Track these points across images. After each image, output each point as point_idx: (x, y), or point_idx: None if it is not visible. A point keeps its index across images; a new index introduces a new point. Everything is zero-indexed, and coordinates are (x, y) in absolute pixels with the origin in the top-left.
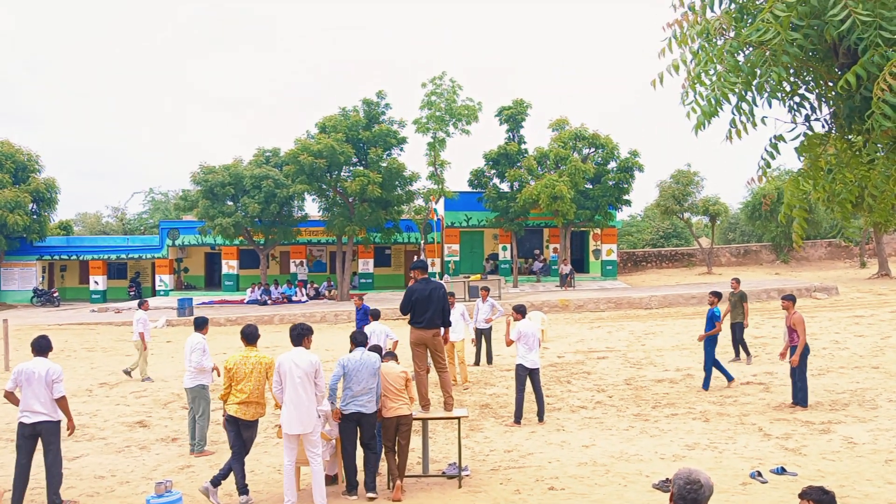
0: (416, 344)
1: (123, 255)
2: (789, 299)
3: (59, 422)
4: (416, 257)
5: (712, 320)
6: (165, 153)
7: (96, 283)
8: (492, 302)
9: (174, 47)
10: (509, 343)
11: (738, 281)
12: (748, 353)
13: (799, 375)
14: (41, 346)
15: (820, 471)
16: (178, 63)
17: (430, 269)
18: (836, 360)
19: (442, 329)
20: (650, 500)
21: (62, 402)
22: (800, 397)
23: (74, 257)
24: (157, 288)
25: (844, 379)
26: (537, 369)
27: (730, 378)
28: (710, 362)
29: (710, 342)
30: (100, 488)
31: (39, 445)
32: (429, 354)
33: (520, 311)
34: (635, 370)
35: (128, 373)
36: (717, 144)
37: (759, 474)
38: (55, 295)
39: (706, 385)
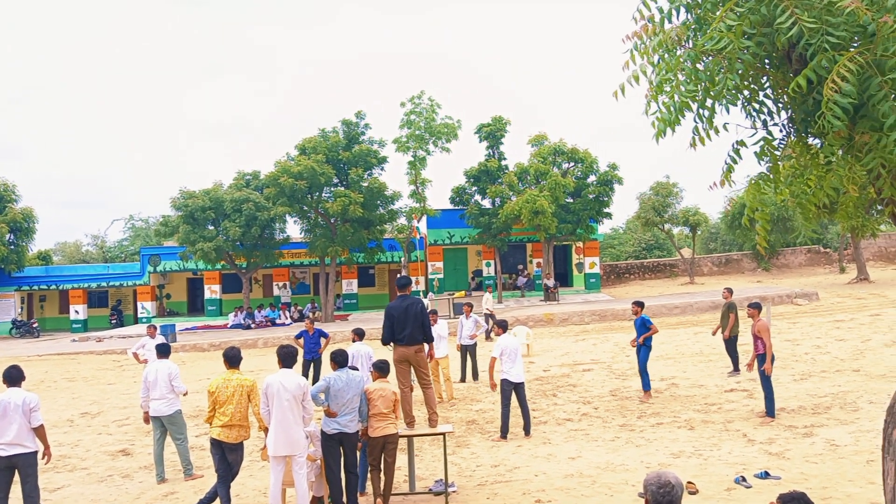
0: (398, 361)
1: (104, 283)
2: (754, 307)
3: (35, 452)
4: (398, 276)
5: (641, 329)
6: (145, 180)
7: (77, 312)
8: (475, 318)
9: (155, 75)
10: (493, 387)
11: (730, 291)
12: (735, 366)
13: (765, 383)
14: (13, 377)
15: (803, 474)
16: (159, 91)
17: (413, 286)
18: (818, 364)
19: (426, 346)
20: None
21: (40, 431)
22: (767, 405)
23: (54, 287)
24: (140, 315)
25: (826, 383)
26: (522, 383)
27: (648, 388)
28: (643, 365)
29: (644, 348)
30: None
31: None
32: (412, 371)
33: (501, 326)
34: (620, 381)
35: None
36: (693, 153)
37: (744, 479)
38: (34, 325)
39: (646, 386)
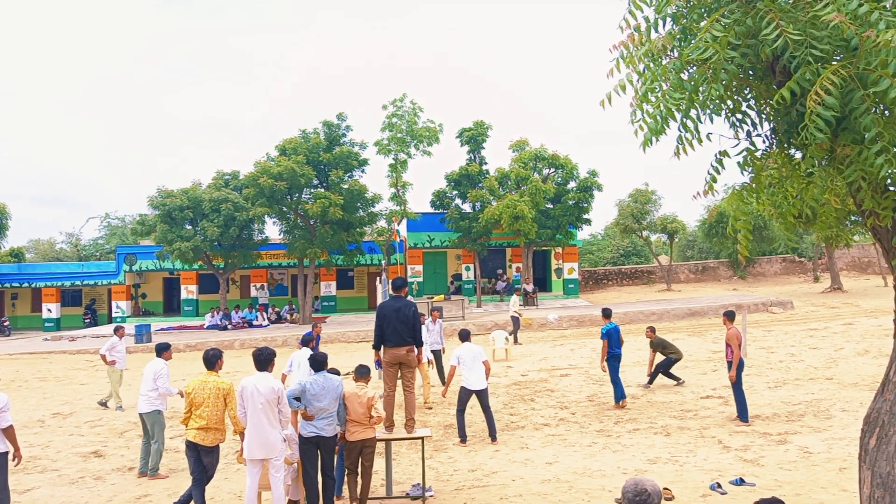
0: (389, 364)
1: (78, 282)
2: (727, 316)
3: (5, 454)
4: (378, 279)
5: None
6: (122, 179)
7: (49, 310)
8: (441, 324)
9: (134, 74)
10: (444, 394)
11: (652, 330)
12: (651, 379)
13: (735, 390)
14: None
15: (777, 480)
16: (136, 89)
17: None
18: (792, 372)
19: (415, 348)
20: None
21: (9, 432)
22: (739, 411)
23: (26, 285)
24: (114, 314)
25: (800, 390)
26: (483, 390)
27: (623, 397)
28: (614, 375)
29: (611, 359)
30: None
31: None
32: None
33: (462, 337)
34: (598, 387)
35: (103, 404)
36: (671, 162)
37: (719, 486)
38: (6, 324)
39: (618, 397)
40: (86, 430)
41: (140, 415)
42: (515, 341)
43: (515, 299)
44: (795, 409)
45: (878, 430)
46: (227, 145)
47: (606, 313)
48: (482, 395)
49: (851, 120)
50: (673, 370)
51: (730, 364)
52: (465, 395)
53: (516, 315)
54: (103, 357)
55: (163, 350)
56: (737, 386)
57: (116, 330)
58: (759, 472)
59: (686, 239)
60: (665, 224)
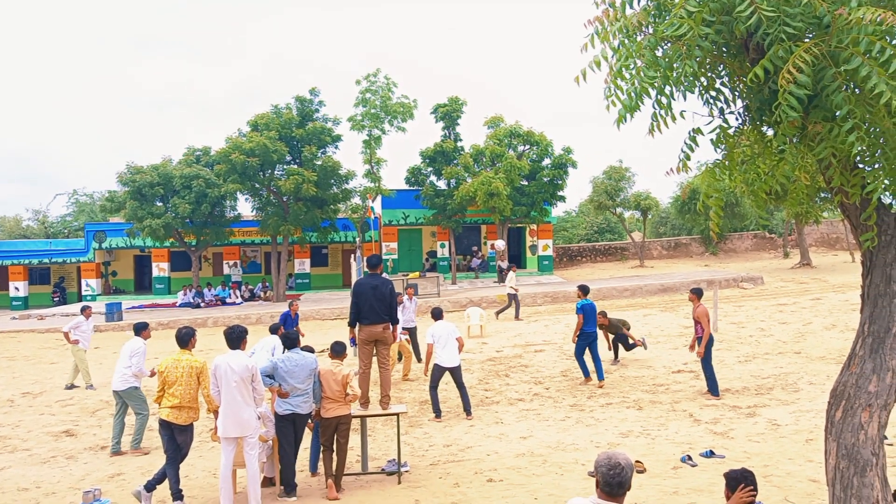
0: (365, 341)
1: (46, 260)
2: (695, 293)
3: None
4: (352, 257)
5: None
6: (89, 155)
7: (17, 289)
8: (416, 301)
9: (100, 47)
10: (426, 372)
11: (604, 315)
12: (616, 354)
13: (705, 366)
14: None
15: (746, 452)
16: (104, 63)
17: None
18: (762, 346)
19: (391, 326)
20: (586, 488)
21: None
22: (710, 386)
23: None
24: (84, 293)
25: (769, 364)
26: (457, 367)
27: (586, 374)
28: (579, 355)
29: (580, 336)
30: (24, 500)
31: None
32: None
33: (434, 315)
34: (571, 362)
35: (70, 387)
36: (646, 139)
37: (690, 458)
38: None
39: (586, 373)
40: (56, 409)
41: (115, 392)
42: (517, 317)
43: (512, 276)
44: (764, 383)
45: (843, 403)
46: (196, 120)
47: (584, 290)
48: (456, 372)
49: (823, 98)
50: (647, 342)
51: (699, 340)
52: (438, 372)
53: (514, 292)
54: (66, 335)
55: (141, 329)
56: (706, 361)
57: (83, 309)
58: (729, 445)
59: (659, 216)
60: (638, 201)
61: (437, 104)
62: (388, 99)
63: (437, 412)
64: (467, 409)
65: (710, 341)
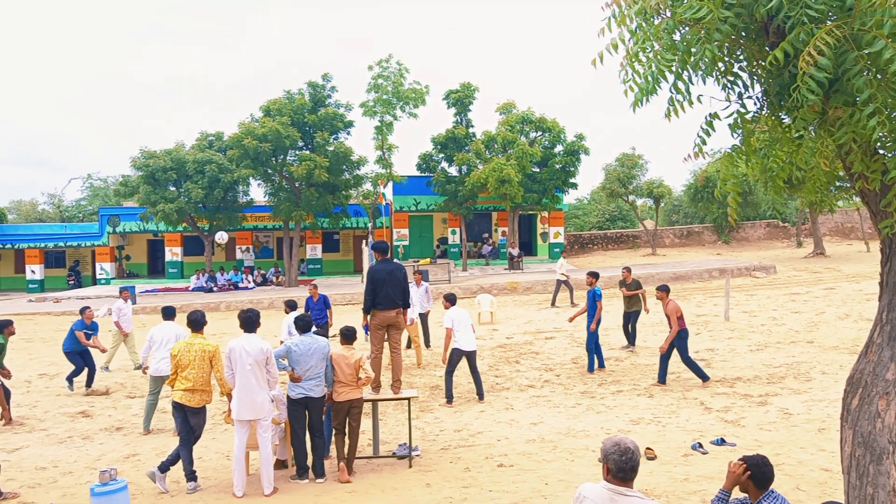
0: (377, 326)
1: (61, 244)
2: (662, 290)
3: None
4: (364, 243)
5: (593, 299)
6: (103, 139)
7: (33, 272)
8: (426, 286)
9: (116, 33)
10: (445, 360)
11: (629, 270)
12: (632, 342)
13: (683, 358)
14: None
15: (757, 441)
16: (120, 49)
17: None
18: (774, 335)
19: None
20: (597, 474)
21: None
22: (659, 373)
23: (9, 246)
24: (98, 276)
25: (781, 353)
26: (474, 351)
27: (600, 364)
28: (592, 344)
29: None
30: (41, 479)
31: None
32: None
33: (449, 300)
34: (582, 349)
35: (105, 369)
36: (660, 126)
37: (700, 446)
38: None
39: (591, 367)
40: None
41: (161, 378)
42: (572, 303)
43: (563, 262)
44: (776, 372)
45: (860, 391)
46: (206, 106)
47: (595, 276)
48: (472, 356)
49: (844, 82)
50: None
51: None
52: (457, 356)
53: (564, 278)
54: (118, 325)
55: (175, 313)
56: (684, 353)
57: (122, 292)
58: (740, 433)
59: (672, 204)
60: (651, 188)
61: (449, 90)
62: (399, 85)
63: (450, 398)
64: (480, 394)
65: (685, 334)
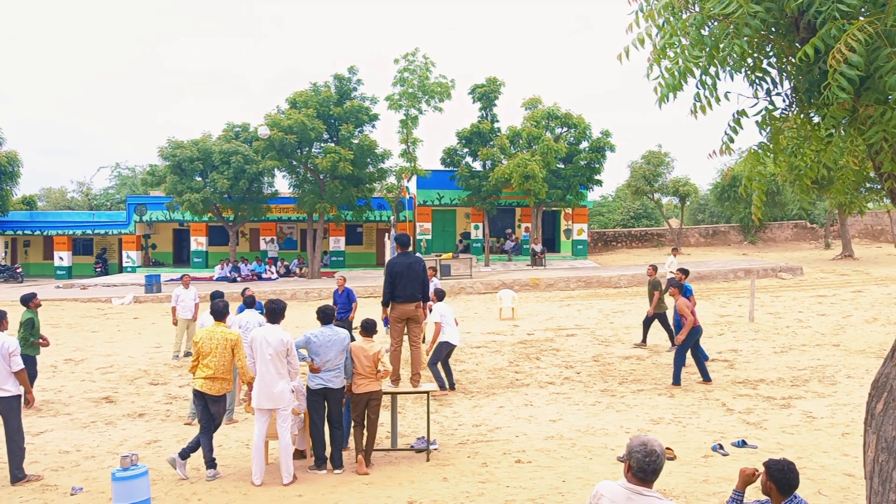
0: (396, 319)
1: (89, 231)
2: (675, 286)
3: (17, 396)
4: (387, 236)
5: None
6: (132, 129)
7: (61, 258)
8: (436, 281)
9: (145, 23)
10: (428, 352)
11: (654, 268)
12: (644, 340)
13: (677, 356)
14: None
15: (779, 444)
16: (149, 40)
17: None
18: (799, 337)
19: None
20: (615, 472)
21: (21, 375)
22: (674, 375)
23: (38, 233)
24: (125, 264)
25: (806, 356)
26: (456, 346)
27: (704, 378)
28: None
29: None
30: (64, 463)
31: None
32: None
33: (437, 295)
34: (603, 347)
35: (175, 357)
36: (686, 124)
37: (721, 447)
38: (18, 271)
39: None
40: (97, 376)
41: None
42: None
43: (673, 260)
44: (801, 375)
45: (885, 395)
46: (233, 97)
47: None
48: (453, 350)
49: (876, 79)
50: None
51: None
52: (446, 349)
53: (672, 276)
54: (174, 311)
55: (254, 303)
56: (679, 349)
57: (182, 278)
58: (762, 435)
59: (697, 202)
60: (677, 187)
61: (474, 84)
62: (425, 78)
63: (442, 385)
64: (452, 385)
65: (695, 331)
